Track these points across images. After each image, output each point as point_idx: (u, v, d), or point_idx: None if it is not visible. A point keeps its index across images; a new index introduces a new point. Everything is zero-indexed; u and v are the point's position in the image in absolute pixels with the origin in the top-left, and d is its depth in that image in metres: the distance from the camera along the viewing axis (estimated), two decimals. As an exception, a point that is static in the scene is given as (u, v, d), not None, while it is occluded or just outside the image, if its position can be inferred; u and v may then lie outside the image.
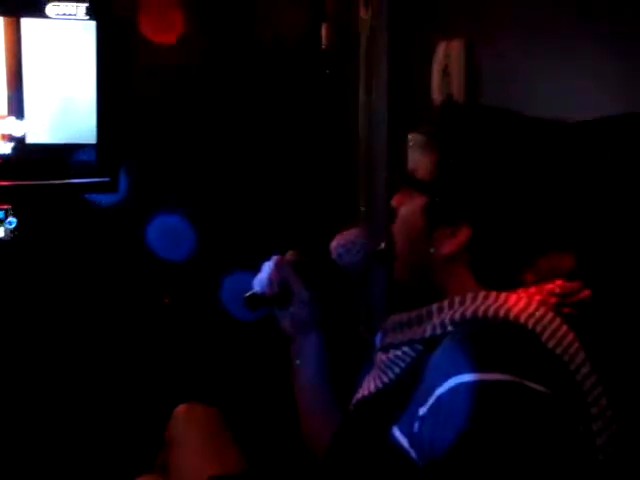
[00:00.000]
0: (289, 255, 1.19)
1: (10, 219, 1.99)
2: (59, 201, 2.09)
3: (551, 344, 0.83)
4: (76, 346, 2.05)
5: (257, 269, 1.19)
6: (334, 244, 1.17)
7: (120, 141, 2.11)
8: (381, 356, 1.02)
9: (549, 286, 0.93)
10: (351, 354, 1.25)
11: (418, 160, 0.99)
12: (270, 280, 1.15)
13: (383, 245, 1.12)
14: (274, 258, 1.17)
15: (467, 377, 0.77)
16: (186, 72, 2.19)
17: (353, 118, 2.14)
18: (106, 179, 2.09)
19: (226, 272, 2.07)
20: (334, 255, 1.17)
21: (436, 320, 0.93)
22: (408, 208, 1.00)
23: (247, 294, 1.19)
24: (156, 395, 2.01)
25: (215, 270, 2.15)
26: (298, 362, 1.17)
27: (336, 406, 1.15)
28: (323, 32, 2.36)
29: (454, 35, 1.73)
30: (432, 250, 0.96)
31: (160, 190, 2.19)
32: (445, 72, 1.71)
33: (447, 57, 1.71)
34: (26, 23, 1.95)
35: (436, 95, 1.72)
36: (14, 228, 1.99)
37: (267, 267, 1.17)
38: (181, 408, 1.27)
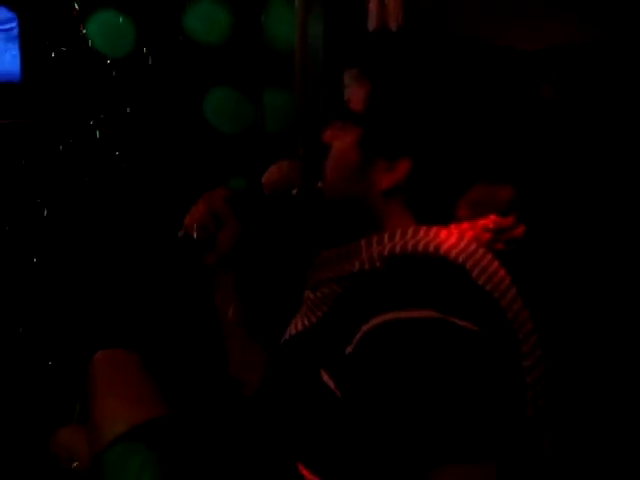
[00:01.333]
0: (220, 190, 1.15)
1: None
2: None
3: (481, 280, 0.80)
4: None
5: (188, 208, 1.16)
6: (265, 178, 1.14)
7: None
8: (309, 294, 0.98)
9: (482, 221, 0.91)
10: (285, 291, 1.23)
11: (352, 91, 0.94)
12: (201, 213, 1.12)
13: (320, 184, 1.07)
14: (205, 194, 1.14)
15: (392, 314, 0.74)
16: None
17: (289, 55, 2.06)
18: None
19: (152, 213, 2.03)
20: (266, 190, 1.13)
21: (364, 255, 0.90)
22: (341, 142, 0.95)
23: (181, 233, 1.16)
24: (73, 341, 1.96)
25: (138, 212, 2.08)
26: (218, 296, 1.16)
27: (256, 341, 1.15)
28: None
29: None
30: (367, 185, 0.91)
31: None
32: (381, 2, 1.65)
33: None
34: None
35: (373, 26, 1.66)
36: None
37: (198, 204, 1.14)
38: (100, 355, 1.21)
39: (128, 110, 2.09)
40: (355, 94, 0.94)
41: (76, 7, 2.00)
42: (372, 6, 1.66)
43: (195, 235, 1.14)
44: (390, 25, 1.60)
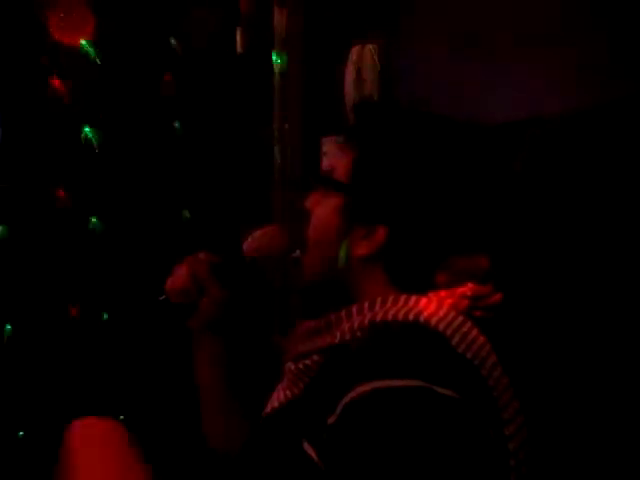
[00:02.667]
0: (202, 255, 1.15)
1: None
2: None
3: (461, 348, 0.80)
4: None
5: (168, 272, 1.16)
6: (246, 245, 1.13)
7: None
8: (291, 366, 0.99)
9: (461, 289, 0.91)
10: (264, 361, 1.22)
11: (335, 159, 0.97)
12: (183, 278, 1.12)
13: (297, 252, 1.08)
14: (187, 258, 1.14)
15: (375, 384, 0.74)
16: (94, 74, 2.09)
17: (267, 122, 2.10)
18: None
19: (134, 277, 1.99)
20: (247, 256, 1.13)
21: (345, 326, 0.90)
22: (322, 209, 0.98)
23: (161, 297, 1.15)
24: (45, 409, 1.88)
25: (121, 276, 2.06)
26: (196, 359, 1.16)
27: (238, 410, 1.14)
28: (238, 36, 2.32)
29: (368, 39, 1.72)
30: (345, 252, 0.93)
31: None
32: (359, 75, 1.70)
33: (360, 61, 1.69)
34: None
35: (349, 98, 1.70)
36: None
37: (180, 268, 1.14)
38: (77, 423, 1.18)
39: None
40: (339, 163, 0.97)
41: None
42: (348, 80, 1.71)
43: (175, 301, 1.14)
44: (367, 97, 1.65)
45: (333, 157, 0.98)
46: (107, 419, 1.19)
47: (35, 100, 1.94)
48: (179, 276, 1.13)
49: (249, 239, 1.14)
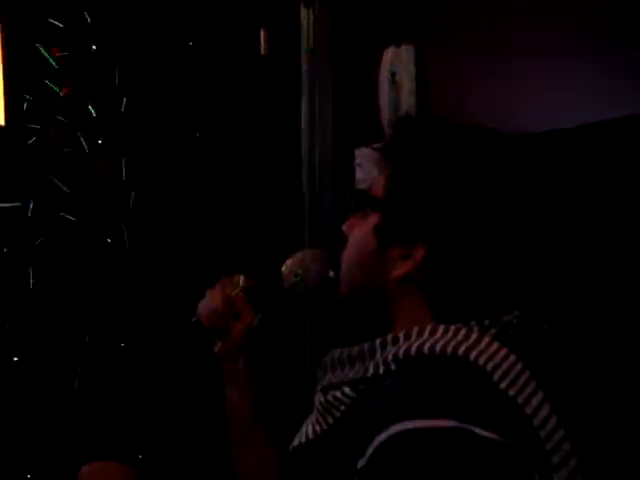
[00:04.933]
0: (237, 278, 1.17)
1: None
2: None
3: (503, 385, 0.78)
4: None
5: (201, 294, 1.19)
6: (286, 270, 1.14)
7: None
8: (320, 398, 0.98)
9: (506, 317, 0.89)
10: (296, 389, 1.22)
11: (371, 176, 0.97)
12: (217, 301, 1.15)
13: (332, 274, 1.09)
14: (222, 280, 1.17)
15: (408, 424, 0.72)
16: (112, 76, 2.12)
17: (295, 132, 2.11)
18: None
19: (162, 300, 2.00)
20: (287, 282, 1.14)
21: (379, 357, 0.89)
22: (359, 230, 0.98)
23: (193, 319, 1.18)
24: (55, 452, 1.89)
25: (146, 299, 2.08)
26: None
27: (270, 441, 1.15)
28: (262, 38, 2.34)
29: (403, 40, 1.72)
30: (383, 272, 0.93)
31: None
32: (393, 79, 1.69)
33: (395, 63, 1.69)
34: None
35: (383, 104, 1.70)
36: None
37: (214, 291, 1.16)
38: (87, 468, 1.19)
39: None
40: (377, 179, 0.97)
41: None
42: (382, 85, 1.71)
43: (209, 324, 1.16)
44: (403, 105, 1.64)
45: (369, 173, 0.98)
46: (117, 464, 1.20)
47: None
48: (213, 298, 1.16)
49: (288, 261, 1.15)
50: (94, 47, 2.03)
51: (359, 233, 0.99)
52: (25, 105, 1.94)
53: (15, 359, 1.88)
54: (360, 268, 0.98)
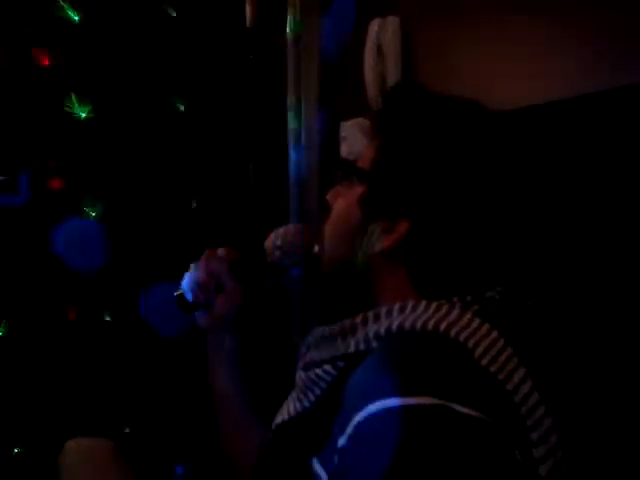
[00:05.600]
0: (221, 251, 1.18)
1: None
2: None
3: (485, 361, 0.78)
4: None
5: (184, 269, 1.19)
6: (269, 243, 1.16)
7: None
8: (302, 375, 0.99)
9: (489, 294, 0.89)
10: (282, 363, 1.22)
11: (356, 150, 0.96)
12: (201, 274, 1.15)
13: (316, 249, 1.09)
14: (206, 253, 1.17)
15: (388, 402, 0.72)
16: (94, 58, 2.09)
17: (281, 105, 2.08)
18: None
19: (146, 281, 2.01)
20: (271, 256, 1.16)
21: (360, 334, 0.89)
22: (344, 200, 0.98)
23: (176, 293, 1.19)
24: (40, 428, 1.89)
25: (132, 280, 2.07)
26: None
27: (254, 415, 1.15)
28: (248, 10, 2.31)
29: (388, 12, 1.70)
30: (365, 244, 0.93)
31: (69, 192, 2.07)
32: (379, 51, 1.67)
33: (381, 35, 1.67)
34: None
35: (369, 76, 1.68)
36: None
37: (198, 264, 1.17)
38: (71, 443, 1.19)
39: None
40: (364, 150, 0.97)
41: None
42: (368, 56, 1.69)
43: (192, 297, 1.16)
44: (389, 77, 1.62)
45: (355, 143, 0.97)
46: (102, 440, 1.20)
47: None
48: (196, 272, 1.16)
49: (271, 236, 1.16)
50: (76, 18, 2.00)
51: (343, 203, 0.98)
52: None
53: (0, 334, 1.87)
54: (343, 239, 0.98)
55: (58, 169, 2.00)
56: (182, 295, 1.17)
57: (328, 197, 1.03)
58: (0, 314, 1.89)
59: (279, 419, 1.00)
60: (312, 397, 0.95)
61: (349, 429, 0.74)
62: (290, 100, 2.02)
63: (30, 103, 1.96)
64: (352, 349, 0.89)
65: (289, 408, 0.99)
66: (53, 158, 2.00)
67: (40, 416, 1.90)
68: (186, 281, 1.17)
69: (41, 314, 1.95)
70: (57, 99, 1.98)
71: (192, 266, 1.18)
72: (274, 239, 1.15)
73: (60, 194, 2.00)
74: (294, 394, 1.00)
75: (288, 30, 2.05)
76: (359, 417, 0.73)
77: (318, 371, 0.95)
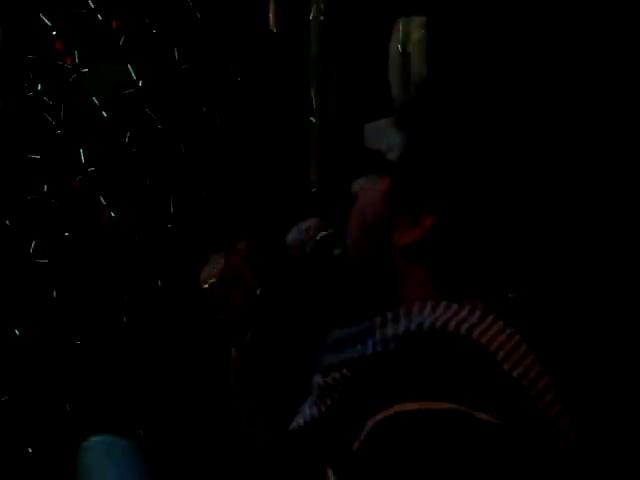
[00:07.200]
0: (240, 245, 1.16)
1: None
2: None
3: (507, 365, 0.76)
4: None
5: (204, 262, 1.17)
6: (291, 238, 1.13)
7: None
8: (319, 379, 0.96)
9: (511, 296, 0.86)
10: (298, 366, 1.21)
11: (387, 140, 0.95)
12: (219, 269, 1.13)
13: (337, 251, 1.07)
14: (225, 248, 1.15)
15: (402, 406, 0.70)
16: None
17: (305, 101, 2.08)
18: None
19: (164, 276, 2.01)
20: (293, 251, 1.13)
21: (378, 336, 0.87)
22: (369, 193, 0.97)
23: (195, 286, 1.16)
24: (57, 426, 1.89)
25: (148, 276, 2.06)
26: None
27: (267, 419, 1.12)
28: (271, 13, 2.30)
29: (414, 11, 1.68)
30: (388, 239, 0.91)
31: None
32: (404, 52, 1.65)
33: (406, 36, 1.65)
34: None
35: (394, 78, 1.66)
36: None
37: (217, 258, 1.15)
38: (88, 441, 1.19)
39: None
40: (391, 145, 0.95)
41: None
42: (393, 54, 1.67)
43: (209, 291, 1.14)
44: (412, 77, 1.60)
45: (380, 140, 0.96)
46: (120, 438, 1.19)
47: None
48: (215, 266, 1.14)
49: (294, 230, 1.13)
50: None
51: (368, 196, 0.97)
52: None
53: (16, 332, 1.87)
54: (366, 233, 0.96)
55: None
56: (201, 288, 1.15)
57: (353, 189, 1.01)
58: (14, 312, 1.89)
59: (295, 424, 0.98)
60: (329, 402, 0.92)
61: (363, 434, 0.72)
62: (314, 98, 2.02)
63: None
64: (370, 351, 0.87)
65: (305, 413, 0.97)
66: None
67: (56, 414, 1.90)
68: (205, 275, 1.15)
69: (57, 312, 1.94)
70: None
71: (211, 259, 1.16)
72: (296, 234, 1.13)
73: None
74: (312, 399, 0.97)
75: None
76: (373, 421, 0.72)
77: (335, 375, 0.92)
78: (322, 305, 1.39)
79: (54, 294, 1.95)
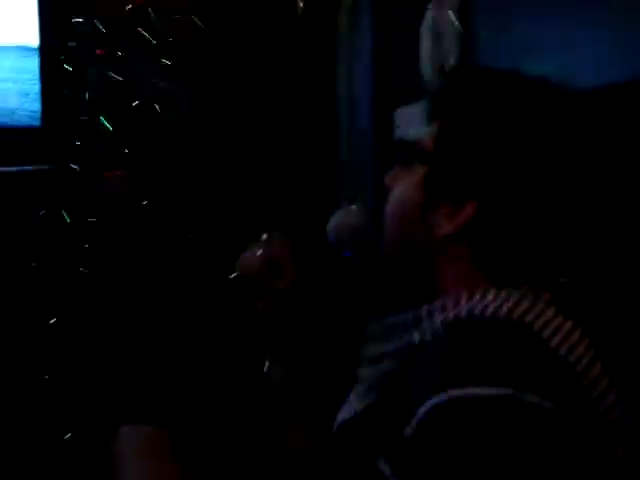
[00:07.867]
0: (278, 234, 1.15)
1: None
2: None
3: (562, 350, 0.75)
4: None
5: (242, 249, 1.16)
6: (331, 228, 1.13)
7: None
8: (365, 370, 0.96)
9: (561, 281, 0.86)
10: (343, 357, 1.20)
11: (415, 131, 0.95)
12: (258, 258, 1.11)
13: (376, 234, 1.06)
14: (264, 236, 1.13)
15: (456, 392, 0.70)
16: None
17: (333, 92, 2.07)
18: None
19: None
20: (332, 239, 1.12)
21: (426, 324, 0.86)
22: (404, 183, 0.95)
23: (233, 276, 1.15)
24: (93, 413, 1.90)
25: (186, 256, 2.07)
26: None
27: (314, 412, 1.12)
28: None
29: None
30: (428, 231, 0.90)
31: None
32: (436, 41, 1.63)
33: (438, 24, 1.64)
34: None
35: (425, 63, 1.65)
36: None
37: (256, 246, 1.13)
38: (125, 429, 1.18)
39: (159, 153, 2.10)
40: (425, 132, 0.94)
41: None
42: (425, 44, 1.66)
43: (248, 281, 1.13)
44: (446, 64, 1.59)
45: (411, 127, 0.95)
46: (157, 428, 1.18)
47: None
48: (253, 254, 1.12)
49: (333, 219, 1.13)
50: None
51: (404, 186, 0.95)
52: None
53: (52, 321, 1.89)
54: (404, 224, 0.94)
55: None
56: (239, 279, 1.15)
57: (387, 180, 0.99)
58: (53, 299, 1.91)
59: (342, 417, 0.97)
60: (377, 392, 0.91)
61: (415, 420, 0.72)
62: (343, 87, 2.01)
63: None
64: (417, 339, 0.86)
65: (353, 405, 0.95)
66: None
67: (93, 400, 1.92)
68: (241, 263, 1.14)
69: (94, 299, 1.96)
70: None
71: (249, 248, 1.15)
72: (337, 223, 1.12)
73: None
74: (359, 390, 0.97)
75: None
76: (425, 408, 0.71)
77: (382, 365, 0.92)
78: (364, 296, 1.38)
79: (93, 285, 1.96)
